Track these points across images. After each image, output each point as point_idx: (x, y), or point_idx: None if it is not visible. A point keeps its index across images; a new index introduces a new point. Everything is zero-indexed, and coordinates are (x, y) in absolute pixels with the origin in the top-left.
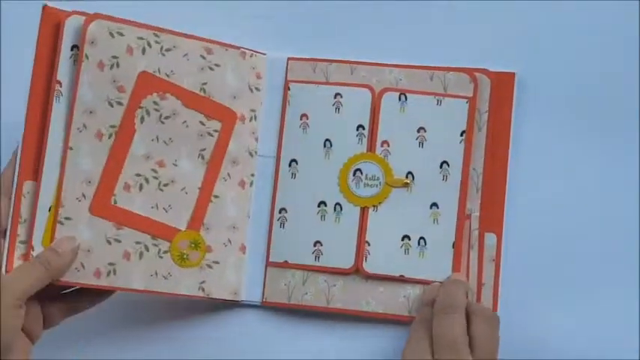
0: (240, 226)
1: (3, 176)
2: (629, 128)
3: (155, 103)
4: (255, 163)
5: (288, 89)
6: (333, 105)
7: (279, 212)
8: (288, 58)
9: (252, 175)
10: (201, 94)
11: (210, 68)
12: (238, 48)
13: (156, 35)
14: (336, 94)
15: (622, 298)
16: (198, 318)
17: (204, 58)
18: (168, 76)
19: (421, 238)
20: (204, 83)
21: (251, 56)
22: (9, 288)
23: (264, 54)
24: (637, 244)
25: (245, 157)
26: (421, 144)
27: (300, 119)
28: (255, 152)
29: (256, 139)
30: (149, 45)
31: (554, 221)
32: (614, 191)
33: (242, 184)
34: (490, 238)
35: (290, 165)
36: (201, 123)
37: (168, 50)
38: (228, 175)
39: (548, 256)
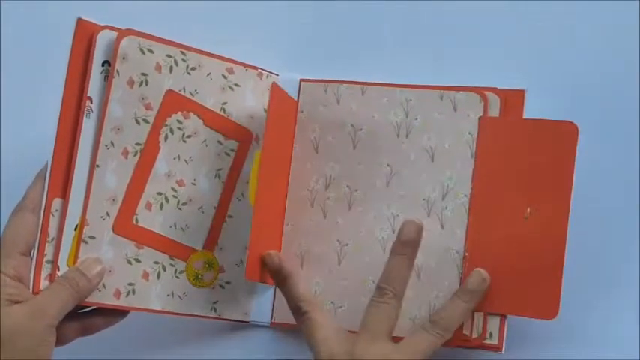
0: None
1: (28, 194)
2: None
3: (179, 121)
4: None
5: (301, 112)
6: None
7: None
8: (301, 80)
9: None
10: (222, 113)
11: (231, 88)
12: (256, 68)
13: (182, 54)
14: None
15: (622, 298)
16: (207, 339)
17: (225, 77)
18: (192, 95)
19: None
20: (225, 103)
21: (267, 77)
22: (45, 311)
23: (277, 75)
24: (637, 245)
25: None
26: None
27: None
28: None
29: None
30: (176, 63)
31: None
32: (620, 202)
33: None
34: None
35: None
36: (219, 143)
37: (193, 69)
38: (242, 195)
39: None
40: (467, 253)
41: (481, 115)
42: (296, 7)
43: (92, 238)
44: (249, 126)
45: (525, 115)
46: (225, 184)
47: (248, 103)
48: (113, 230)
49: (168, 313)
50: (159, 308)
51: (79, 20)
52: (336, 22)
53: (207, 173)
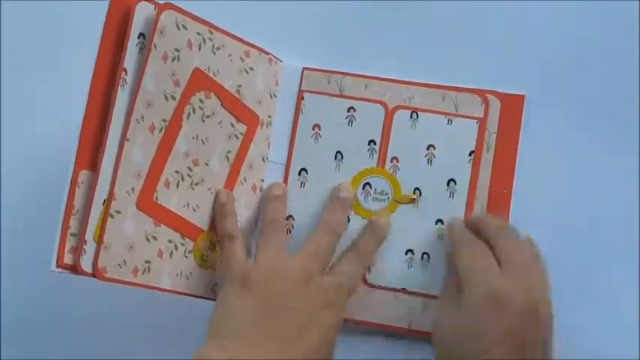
0: (251, 231)
1: None
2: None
3: (201, 101)
4: (266, 169)
5: (302, 99)
6: (346, 118)
7: (287, 219)
8: (304, 68)
9: (262, 180)
10: (237, 96)
11: (246, 71)
12: (267, 54)
13: (210, 32)
14: (350, 108)
15: (622, 298)
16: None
17: (242, 60)
18: (214, 75)
19: (425, 253)
20: (240, 85)
21: (275, 63)
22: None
23: (281, 61)
24: (637, 245)
25: (259, 162)
26: (430, 161)
27: (312, 129)
28: (267, 158)
29: (269, 145)
30: (204, 42)
31: (557, 240)
32: (621, 209)
33: (254, 188)
34: None
35: (299, 173)
36: (231, 125)
37: (217, 49)
38: (245, 178)
39: (554, 271)
40: None
41: (482, 116)
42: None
43: (118, 212)
44: (257, 110)
45: (524, 121)
46: (232, 167)
47: (258, 87)
48: (136, 206)
49: (177, 292)
50: (169, 288)
51: None
52: (343, 16)
53: (218, 155)
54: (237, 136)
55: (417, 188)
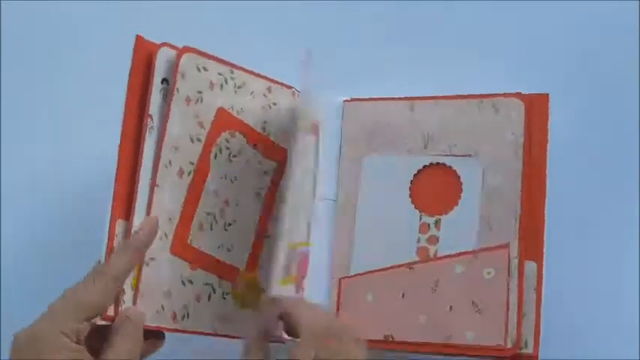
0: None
1: (113, 261)
2: None
3: (227, 140)
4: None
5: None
6: None
7: None
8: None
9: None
10: (262, 132)
11: (269, 107)
12: (290, 87)
13: (231, 72)
14: None
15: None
16: None
17: (265, 96)
18: (238, 113)
19: None
20: (265, 122)
21: (298, 96)
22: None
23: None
24: (637, 244)
25: None
26: None
27: None
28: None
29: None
30: (226, 82)
31: (557, 240)
32: (621, 208)
33: None
34: (530, 267)
35: None
36: (259, 162)
37: (239, 87)
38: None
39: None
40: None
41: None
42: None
43: (152, 259)
44: (284, 145)
45: (550, 120)
46: (265, 204)
47: (283, 120)
48: (170, 251)
49: (219, 335)
50: (210, 331)
51: (138, 37)
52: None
53: (248, 193)
54: (266, 173)
55: None
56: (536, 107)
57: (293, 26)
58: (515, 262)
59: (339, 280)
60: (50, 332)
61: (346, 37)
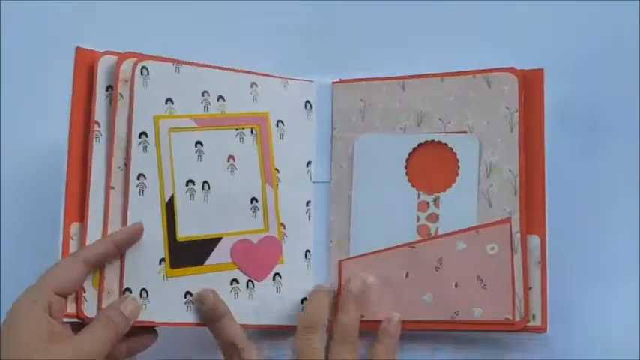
0: None
1: (90, 246)
2: None
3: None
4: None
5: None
6: None
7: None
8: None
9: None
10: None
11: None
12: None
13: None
14: None
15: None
16: None
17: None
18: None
19: None
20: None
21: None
22: (91, 355)
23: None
24: (637, 243)
25: None
26: None
27: None
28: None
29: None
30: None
31: (557, 238)
32: (622, 207)
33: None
34: (533, 241)
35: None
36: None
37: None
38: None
39: (555, 269)
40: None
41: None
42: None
43: (116, 258)
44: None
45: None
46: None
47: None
48: None
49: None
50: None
51: (78, 49)
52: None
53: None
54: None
55: None
56: (530, 82)
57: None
58: (517, 236)
59: (339, 262)
60: (24, 303)
61: (334, 19)
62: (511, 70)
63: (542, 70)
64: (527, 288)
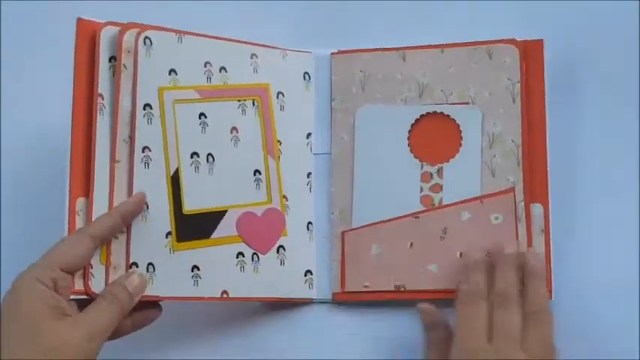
0: None
1: (97, 221)
2: None
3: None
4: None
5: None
6: None
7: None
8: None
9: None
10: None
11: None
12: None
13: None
14: None
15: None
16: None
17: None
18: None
19: None
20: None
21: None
22: (97, 332)
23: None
24: (637, 243)
25: None
26: None
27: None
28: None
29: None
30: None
31: (557, 238)
32: (622, 206)
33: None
34: (537, 209)
35: None
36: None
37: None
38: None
39: (555, 269)
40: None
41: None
42: None
43: (122, 232)
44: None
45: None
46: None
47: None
48: None
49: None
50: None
51: (79, 20)
52: None
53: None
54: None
55: None
56: (531, 53)
57: None
58: (521, 205)
59: (342, 232)
60: (26, 280)
61: None
62: (512, 41)
63: (541, 40)
64: None
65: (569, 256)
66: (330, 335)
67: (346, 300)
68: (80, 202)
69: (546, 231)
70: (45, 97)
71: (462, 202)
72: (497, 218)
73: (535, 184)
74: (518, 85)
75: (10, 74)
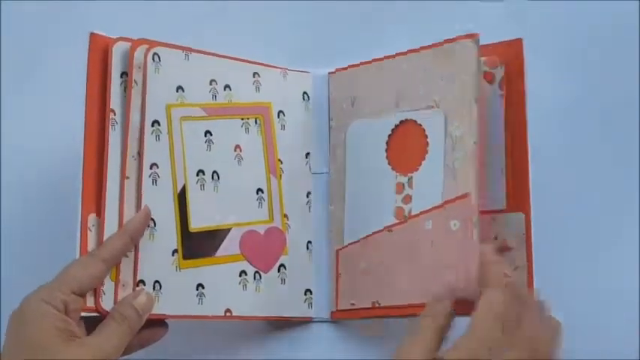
0: None
1: (108, 243)
2: None
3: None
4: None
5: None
6: None
7: None
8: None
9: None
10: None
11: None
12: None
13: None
14: None
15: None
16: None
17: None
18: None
19: None
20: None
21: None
22: (108, 355)
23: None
24: (637, 243)
25: None
26: None
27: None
28: None
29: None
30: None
31: (557, 238)
32: (622, 206)
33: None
34: (518, 218)
35: None
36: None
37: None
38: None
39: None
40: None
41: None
42: None
43: (130, 251)
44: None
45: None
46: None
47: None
48: None
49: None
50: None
51: (92, 35)
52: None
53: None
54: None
55: None
56: (509, 54)
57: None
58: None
59: (337, 251)
60: (34, 302)
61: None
62: (470, 36)
63: (520, 39)
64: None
65: (569, 256)
66: (329, 355)
67: (340, 319)
68: (91, 218)
69: (528, 242)
70: (50, 114)
71: (426, 211)
72: (455, 225)
73: (516, 193)
74: (477, 80)
75: (14, 87)
